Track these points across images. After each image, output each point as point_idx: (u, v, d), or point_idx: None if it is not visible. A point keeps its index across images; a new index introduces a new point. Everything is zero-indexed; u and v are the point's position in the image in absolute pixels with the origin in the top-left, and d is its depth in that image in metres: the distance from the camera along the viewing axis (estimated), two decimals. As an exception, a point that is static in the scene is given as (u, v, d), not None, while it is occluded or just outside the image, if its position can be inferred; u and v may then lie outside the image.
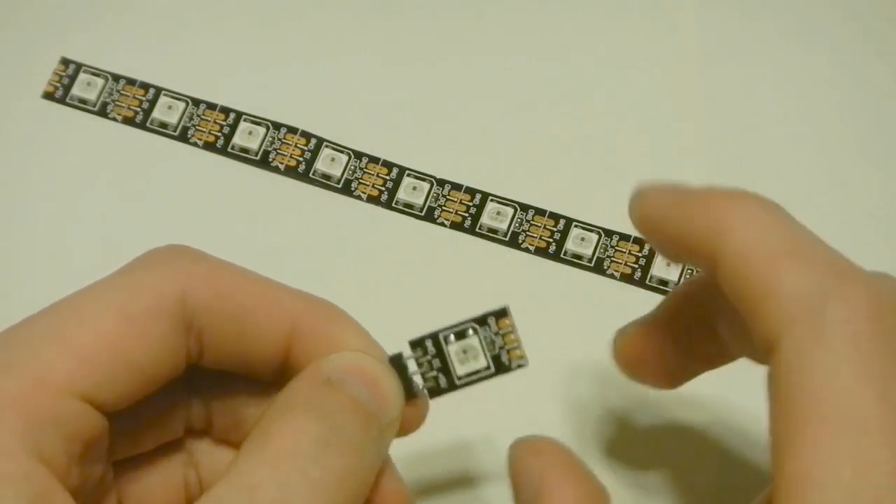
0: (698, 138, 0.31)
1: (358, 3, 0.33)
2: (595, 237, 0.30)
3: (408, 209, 0.30)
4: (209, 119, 0.31)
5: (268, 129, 0.31)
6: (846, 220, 0.31)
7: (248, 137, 0.31)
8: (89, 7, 0.33)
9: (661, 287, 0.29)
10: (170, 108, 0.31)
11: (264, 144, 0.31)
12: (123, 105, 0.31)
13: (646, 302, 0.27)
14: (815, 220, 0.30)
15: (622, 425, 0.28)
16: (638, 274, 0.30)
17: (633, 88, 0.32)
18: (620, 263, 0.30)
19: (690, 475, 0.27)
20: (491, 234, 0.30)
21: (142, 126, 0.31)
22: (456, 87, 0.32)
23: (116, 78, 0.32)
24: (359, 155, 0.31)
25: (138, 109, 0.31)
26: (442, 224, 0.30)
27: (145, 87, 0.32)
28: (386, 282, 0.29)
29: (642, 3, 0.33)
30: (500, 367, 0.20)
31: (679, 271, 0.30)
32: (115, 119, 0.31)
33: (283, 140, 0.31)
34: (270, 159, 0.31)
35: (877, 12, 0.33)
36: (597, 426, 0.28)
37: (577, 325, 0.29)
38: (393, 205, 0.30)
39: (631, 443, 0.27)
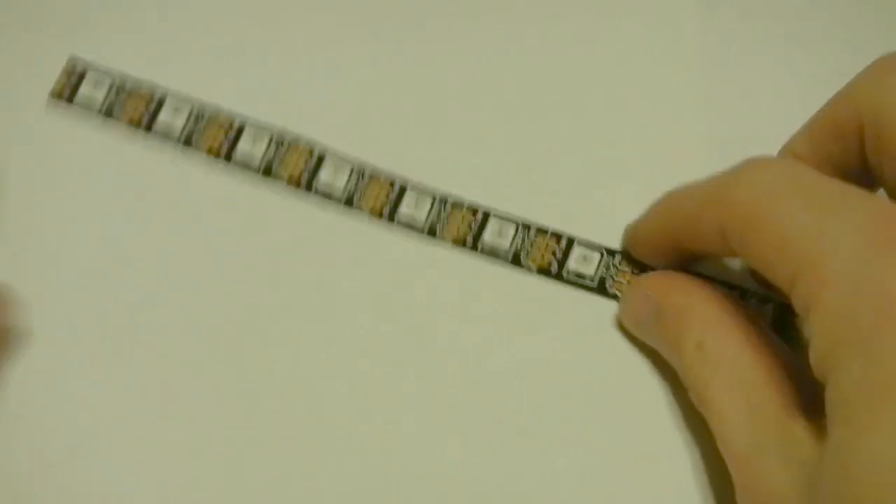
0: (699, 140, 0.32)
1: (352, 12, 0.33)
2: (597, 256, 0.29)
3: (410, 226, 0.30)
4: (214, 125, 0.31)
5: (271, 138, 0.31)
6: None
7: (252, 145, 0.31)
8: (96, 7, 0.33)
9: None
10: (176, 110, 0.31)
11: (268, 154, 0.31)
12: (130, 107, 0.31)
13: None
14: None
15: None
16: None
17: (632, 90, 0.32)
18: (622, 283, 0.29)
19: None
20: (492, 254, 0.30)
21: (147, 129, 0.31)
22: (454, 91, 0.32)
23: (123, 81, 0.32)
24: (361, 170, 0.30)
25: (145, 112, 0.31)
26: (442, 239, 0.30)
27: (152, 89, 0.32)
28: (386, 299, 0.30)
29: (643, 4, 0.34)
30: None
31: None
32: (121, 121, 0.31)
33: (287, 152, 0.31)
34: (274, 169, 0.31)
35: (877, 13, 0.33)
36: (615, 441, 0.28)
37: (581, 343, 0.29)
38: (395, 220, 0.30)
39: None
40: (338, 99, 0.32)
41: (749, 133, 0.32)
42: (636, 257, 0.29)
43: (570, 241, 0.29)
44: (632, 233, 0.28)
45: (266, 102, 0.32)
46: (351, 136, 0.31)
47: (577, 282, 0.29)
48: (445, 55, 0.33)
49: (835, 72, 0.33)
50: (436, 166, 0.31)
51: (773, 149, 0.32)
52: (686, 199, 0.25)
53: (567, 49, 0.33)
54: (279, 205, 0.30)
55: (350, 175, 0.30)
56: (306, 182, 0.30)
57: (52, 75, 0.32)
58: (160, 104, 0.31)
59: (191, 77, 0.32)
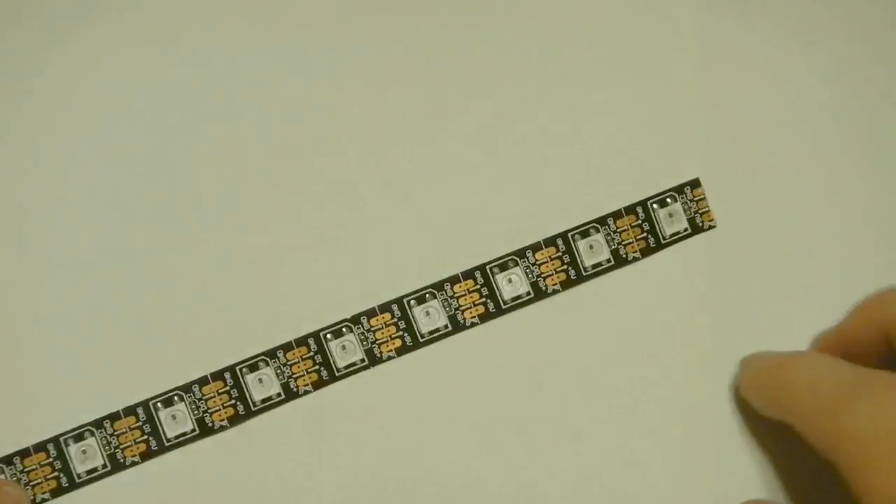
0: (698, 139, 0.31)
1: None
2: (601, 236, 0.29)
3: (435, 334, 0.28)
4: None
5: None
6: (846, 220, 0.31)
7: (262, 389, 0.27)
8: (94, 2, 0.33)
9: None
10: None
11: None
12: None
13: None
14: (815, 221, 0.31)
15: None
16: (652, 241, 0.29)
17: (631, 90, 0.32)
18: (632, 242, 0.29)
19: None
20: (517, 302, 0.28)
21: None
22: (450, 93, 0.32)
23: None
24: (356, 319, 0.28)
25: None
26: (470, 326, 0.28)
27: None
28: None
29: (643, 4, 0.33)
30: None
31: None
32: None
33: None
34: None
35: (877, 12, 0.33)
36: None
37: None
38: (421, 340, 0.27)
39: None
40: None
41: (749, 133, 0.32)
42: None
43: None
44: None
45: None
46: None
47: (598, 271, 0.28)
48: (442, 57, 0.33)
49: (835, 71, 0.33)
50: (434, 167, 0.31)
51: (771, 148, 0.32)
52: None
53: (566, 49, 0.33)
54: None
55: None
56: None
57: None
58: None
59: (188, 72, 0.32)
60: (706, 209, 0.29)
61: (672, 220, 0.29)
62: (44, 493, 0.24)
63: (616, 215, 0.29)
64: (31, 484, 0.24)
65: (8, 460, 0.24)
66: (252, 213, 0.29)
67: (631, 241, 0.29)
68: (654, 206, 0.29)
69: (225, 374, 0.26)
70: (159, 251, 0.28)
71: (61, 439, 0.25)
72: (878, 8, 0.33)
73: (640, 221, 0.29)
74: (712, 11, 0.33)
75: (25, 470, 0.24)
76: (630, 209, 0.29)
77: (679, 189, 0.29)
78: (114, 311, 0.27)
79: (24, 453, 0.24)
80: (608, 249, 0.29)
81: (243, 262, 0.28)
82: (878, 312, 0.25)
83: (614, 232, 0.29)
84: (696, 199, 0.29)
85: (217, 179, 0.30)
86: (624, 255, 0.29)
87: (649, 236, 0.29)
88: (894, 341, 0.24)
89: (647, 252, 0.29)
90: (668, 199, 0.29)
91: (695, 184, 0.29)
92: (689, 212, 0.29)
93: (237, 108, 0.32)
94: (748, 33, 0.33)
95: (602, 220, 0.29)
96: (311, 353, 0.26)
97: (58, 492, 0.24)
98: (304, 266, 0.28)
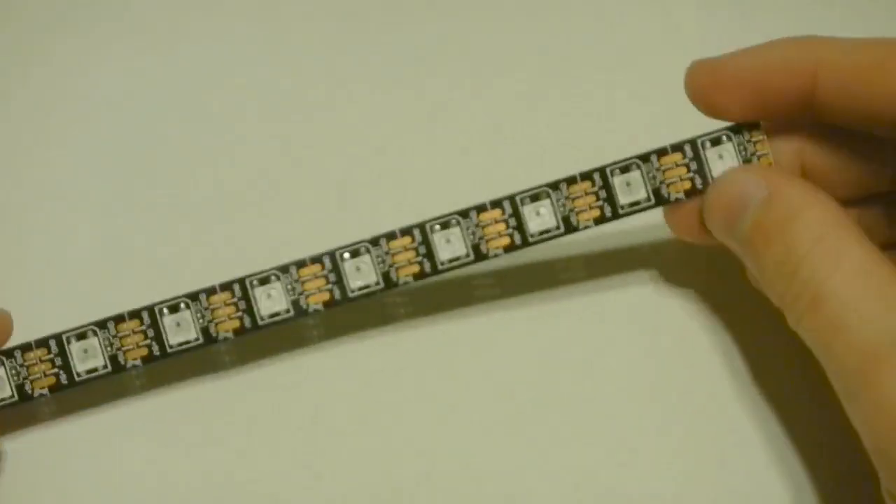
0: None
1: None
2: (637, 173, 0.26)
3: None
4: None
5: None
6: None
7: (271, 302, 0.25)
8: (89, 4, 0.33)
9: None
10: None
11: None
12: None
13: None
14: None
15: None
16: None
17: (631, 90, 0.32)
18: (676, 181, 0.26)
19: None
20: (544, 236, 0.26)
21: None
22: (447, 93, 0.32)
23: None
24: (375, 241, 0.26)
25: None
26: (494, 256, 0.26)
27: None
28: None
29: (642, 4, 0.33)
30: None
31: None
32: None
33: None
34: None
35: (877, 12, 0.33)
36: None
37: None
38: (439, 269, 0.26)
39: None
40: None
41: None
42: (706, 98, 0.26)
43: (605, 177, 0.26)
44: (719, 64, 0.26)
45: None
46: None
47: (636, 210, 0.26)
48: (439, 55, 0.33)
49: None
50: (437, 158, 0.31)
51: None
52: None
53: (566, 49, 0.33)
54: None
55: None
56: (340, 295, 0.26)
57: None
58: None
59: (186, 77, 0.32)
60: (766, 152, 0.26)
61: (722, 161, 0.26)
62: (42, 388, 0.25)
63: (661, 152, 0.26)
64: (31, 379, 0.24)
65: (9, 353, 0.25)
66: (252, 212, 0.30)
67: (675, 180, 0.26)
68: (707, 143, 0.26)
69: (234, 286, 0.25)
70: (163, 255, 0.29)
71: (64, 336, 0.25)
72: (878, 8, 0.33)
73: (686, 160, 0.26)
74: (712, 11, 0.33)
75: (25, 364, 0.24)
76: (677, 147, 0.26)
77: (736, 129, 0.26)
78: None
79: (25, 347, 0.25)
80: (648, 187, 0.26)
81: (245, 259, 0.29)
82: (804, 51, 0.23)
83: (657, 170, 0.26)
84: (753, 140, 0.26)
85: (217, 178, 0.30)
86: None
87: (696, 176, 0.26)
88: (824, 79, 0.22)
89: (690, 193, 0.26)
90: (724, 138, 0.26)
91: (753, 125, 0.26)
92: (744, 153, 0.26)
93: (237, 107, 0.32)
94: (748, 33, 0.33)
95: (646, 157, 0.26)
96: (325, 272, 0.25)
97: (56, 388, 0.25)
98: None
